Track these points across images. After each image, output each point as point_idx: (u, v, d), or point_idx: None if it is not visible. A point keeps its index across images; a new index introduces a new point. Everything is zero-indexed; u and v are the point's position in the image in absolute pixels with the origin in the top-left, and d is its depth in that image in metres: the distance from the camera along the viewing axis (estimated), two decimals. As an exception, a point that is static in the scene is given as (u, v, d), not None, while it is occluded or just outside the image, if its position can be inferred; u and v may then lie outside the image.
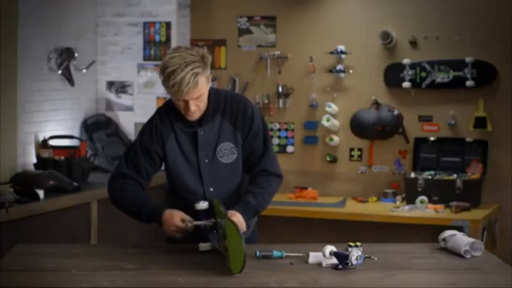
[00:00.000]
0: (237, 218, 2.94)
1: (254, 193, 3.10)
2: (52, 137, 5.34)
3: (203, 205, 3.02)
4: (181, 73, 2.91)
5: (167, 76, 2.94)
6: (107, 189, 3.20)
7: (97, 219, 4.98)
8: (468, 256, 2.95)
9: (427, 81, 5.66)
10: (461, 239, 3.02)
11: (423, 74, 5.66)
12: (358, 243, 2.95)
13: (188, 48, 3.01)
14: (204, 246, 3.02)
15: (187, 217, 3.02)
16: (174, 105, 3.10)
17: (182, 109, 3.03)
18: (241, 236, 2.64)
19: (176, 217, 3.00)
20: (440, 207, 5.25)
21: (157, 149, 3.13)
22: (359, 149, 5.92)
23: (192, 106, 3.00)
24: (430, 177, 5.49)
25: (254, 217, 3.22)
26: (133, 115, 6.10)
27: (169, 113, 3.14)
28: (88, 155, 5.43)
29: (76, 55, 5.65)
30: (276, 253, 2.93)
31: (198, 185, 3.14)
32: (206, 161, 3.13)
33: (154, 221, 3.07)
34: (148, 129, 3.17)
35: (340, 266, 2.77)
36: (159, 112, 3.20)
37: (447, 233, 3.10)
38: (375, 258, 2.90)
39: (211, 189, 3.14)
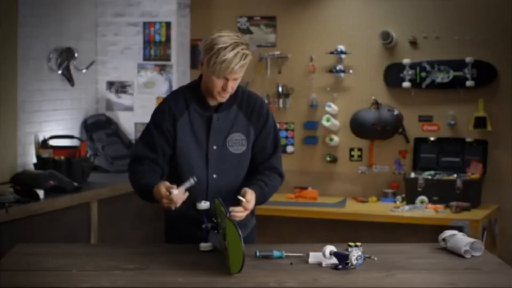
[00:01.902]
0: (250, 197, 2.99)
1: (266, 183, 3.14)
2: (52, 137, 5.34)
3: (204, 205, 3.02)
4: (232, 51, 2.97)
5: (217, 52, 2.98)
6: None
7: (97, 219, 4.98)
8: (468, 256, 2.95)
9: (427, 81, 5.66)
10: (461, 239, 3.02)
11: (423, 74, 5.66)
12: (358, 243, 2.96)
13: (231, 31, 3.06)
14: (205, 246, 3.02)
15: (170, 185, 2.97)
16: (191, 88, 3.16)
17: (217, 88, 3.05)
18: (241, 237, 2.64)
19: (161, 189, 2.96)
20: (440, 207, 5.25)
21: (169, 126, 3.14)
22: (359, 149, 5.92)
23: (229, 87, 3.05)
24: (430, 177, 5.49)
25: (252, 218, 3.24)
26: (133, 115, 6.10)
27: (186, 94, 3.17)
28: (88, 155, 5.42)
29: (76, 55, 5.65)
30: (276, 253, 2.92)
31: (203, 169, 3.14)
32: (215, 147, 3.15)
33: (153, 201, 3.04)
34: (160, 107, 3.19)
35: (340, 266, 2.77)
36: (174, 93, 3.25)
37: (447, 233, 3.09)
38: (375, 258, 2.90)
39: (214, 175, 3.15)
